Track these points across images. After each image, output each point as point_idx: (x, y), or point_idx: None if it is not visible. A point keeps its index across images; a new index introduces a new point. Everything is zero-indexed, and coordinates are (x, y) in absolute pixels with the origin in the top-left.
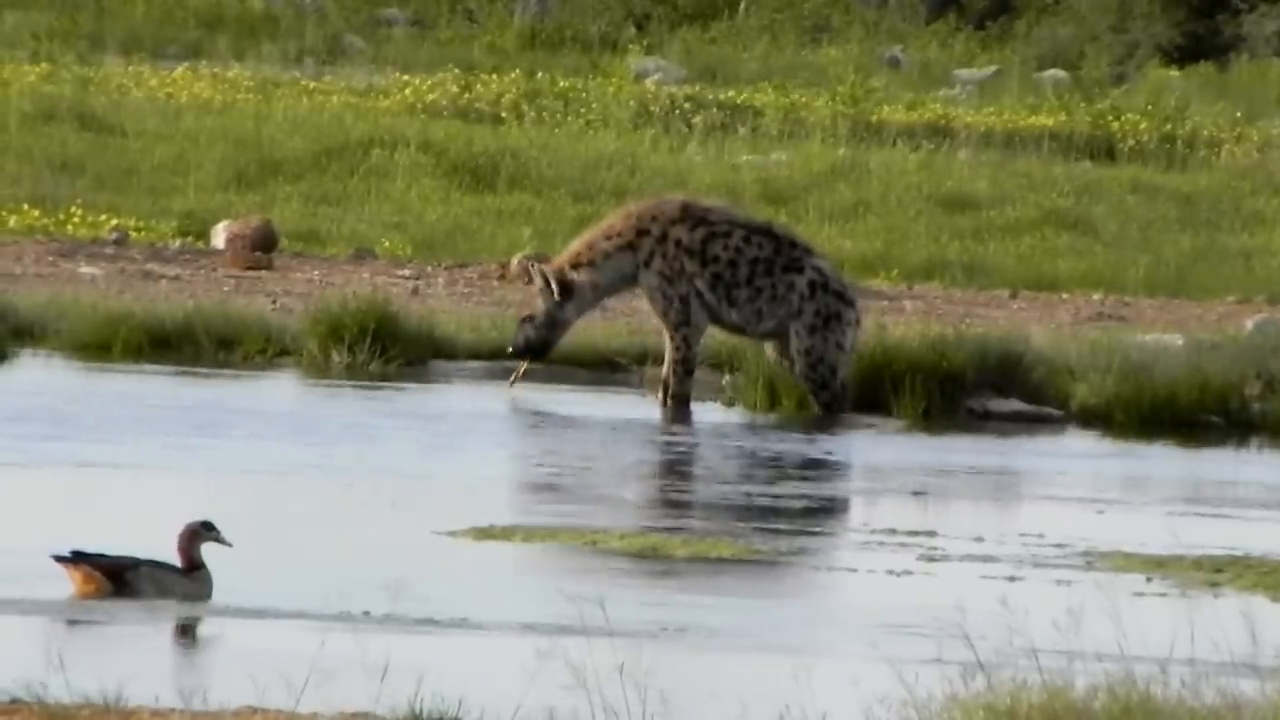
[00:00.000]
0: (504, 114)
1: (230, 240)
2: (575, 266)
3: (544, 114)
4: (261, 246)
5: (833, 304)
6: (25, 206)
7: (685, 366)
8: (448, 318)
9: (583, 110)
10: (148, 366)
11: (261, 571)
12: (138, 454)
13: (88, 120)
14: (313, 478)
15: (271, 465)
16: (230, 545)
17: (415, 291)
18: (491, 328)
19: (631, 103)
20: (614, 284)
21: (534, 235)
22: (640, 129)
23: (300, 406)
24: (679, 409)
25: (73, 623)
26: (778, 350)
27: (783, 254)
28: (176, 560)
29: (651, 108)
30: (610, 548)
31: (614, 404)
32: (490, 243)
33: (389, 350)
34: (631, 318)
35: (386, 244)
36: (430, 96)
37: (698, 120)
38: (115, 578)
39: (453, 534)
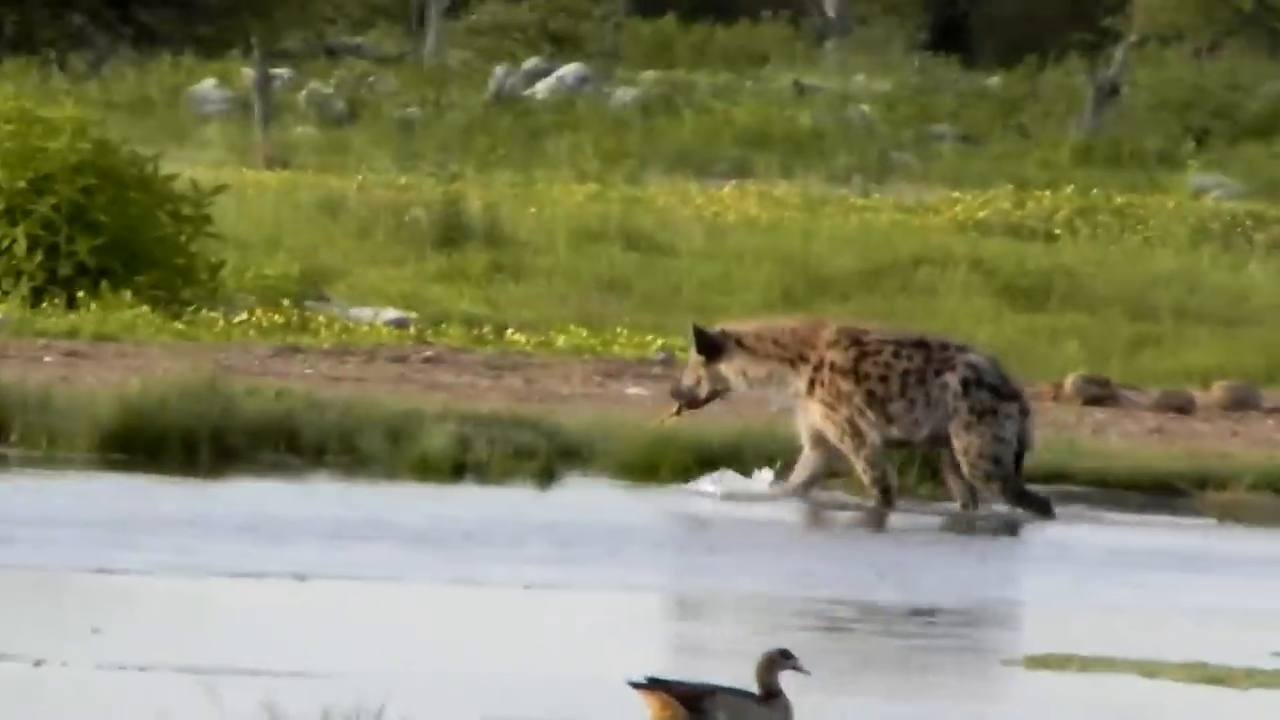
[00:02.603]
0: (1057, 231)
1: None
2: (739, 342)
3: (1098, 231)
4: None
5: (987, 399)
6: (572, 326)
7: (881, 485)
8: None
9: (1139, 227)
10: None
11: (829, 703)
12: (684, 577)
13: (634, 239)
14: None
15: (837, 585)
16: (808, 673)
17: None
18: (1045, 449)
19: (1190, 219)
20: (761, 384)
21: (1087, 355)
22: (1199, 246)
23: (867, 525)
24: (883, 508)
25: None
26: (944, 457)
27: (934, 360)
28: (754, 687)
29: (1211, 224)
30: (1168, 679)
31: (1164, 530)
32: (1043, 363)
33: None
34: (1190, 440)
35: None
36: (981, 213)
37: (1260, 238)
38: (692, 705)
39: (1007, 662)
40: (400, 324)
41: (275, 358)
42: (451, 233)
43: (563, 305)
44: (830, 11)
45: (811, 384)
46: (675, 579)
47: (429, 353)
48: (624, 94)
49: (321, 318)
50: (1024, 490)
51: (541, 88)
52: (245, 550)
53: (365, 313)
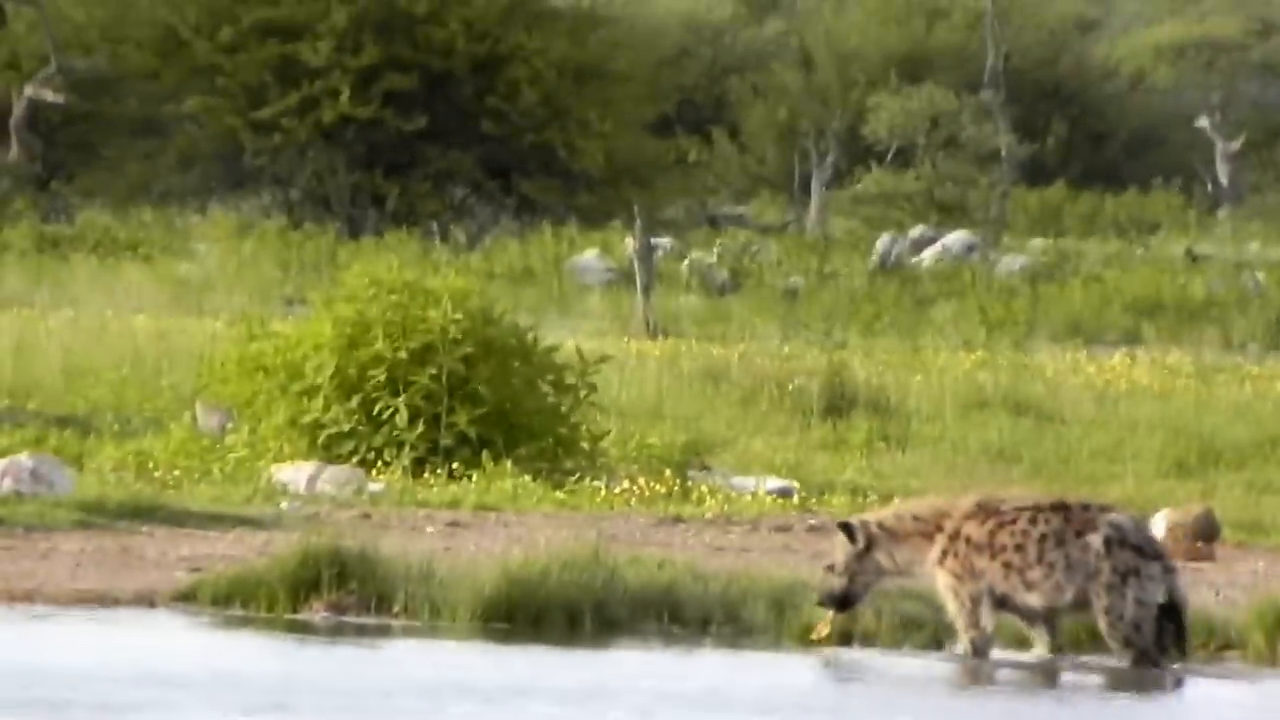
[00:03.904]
0: None
1: (1170, 529)
2: (881, 527)
3: None
4: (1202, 536)
5: (1131, 559)
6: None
7: (978, 656)
8: None
9: None
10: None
11: None
12: None
13: (1022, 407)
14: None
15: None
16: None
17: None
18: None
19: None
20: (907, 564)
21: None
22: None
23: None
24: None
25: None
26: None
27: (1074, 521)
28: None
29: None
30: None
31: None
32: None
33: None
34: None
35: None
36: None
37: None
38: None
39: None
40: (784, 493)
41: (658, 528)
42: (836, 401)
43: (950, 474)
44: (1223, 180)
45: (944, 554)
46: None
47: (814, 522)
48: (1011, 262)
49: (704, 487)
50: (1152, 654)
51: (927, 255)
52: None
53: (748, 482)
